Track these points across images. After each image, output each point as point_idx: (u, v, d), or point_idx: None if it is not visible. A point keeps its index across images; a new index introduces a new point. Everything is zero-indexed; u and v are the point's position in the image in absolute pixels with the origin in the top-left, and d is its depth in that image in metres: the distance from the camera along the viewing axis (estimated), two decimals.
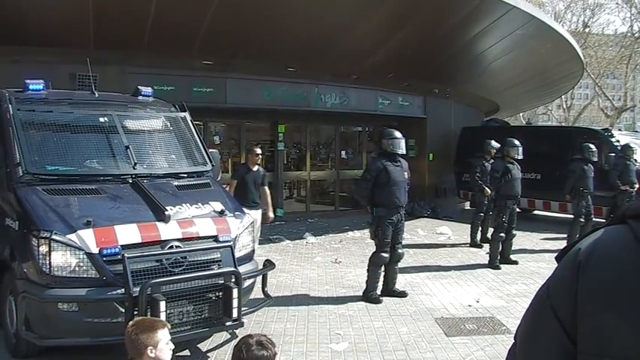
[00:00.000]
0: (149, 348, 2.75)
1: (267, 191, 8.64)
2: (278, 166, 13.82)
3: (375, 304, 6.87)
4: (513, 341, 1.06)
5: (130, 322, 2.94)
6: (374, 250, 7.13)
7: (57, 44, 8.76)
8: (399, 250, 7.15)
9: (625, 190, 10.65)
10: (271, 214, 8.70)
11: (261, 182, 8.45)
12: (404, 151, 7.26)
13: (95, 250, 4.51)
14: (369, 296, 7.01)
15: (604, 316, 0.89)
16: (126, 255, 4.50)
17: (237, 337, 4.98)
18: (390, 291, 7.20)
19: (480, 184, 10.58)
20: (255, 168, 8.43)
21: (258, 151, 8.65)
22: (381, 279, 7.23)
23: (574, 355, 0.92)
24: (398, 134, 7.23)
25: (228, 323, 4.86)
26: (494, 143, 10.76)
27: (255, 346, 2.64)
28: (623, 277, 0.89)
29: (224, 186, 7.48)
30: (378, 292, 7.12)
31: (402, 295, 7.19)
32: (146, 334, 2.77)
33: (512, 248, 9.38)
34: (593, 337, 0.90)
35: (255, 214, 7.99)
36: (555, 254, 1.05)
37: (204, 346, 5.33)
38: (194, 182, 5.81)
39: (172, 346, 2.90)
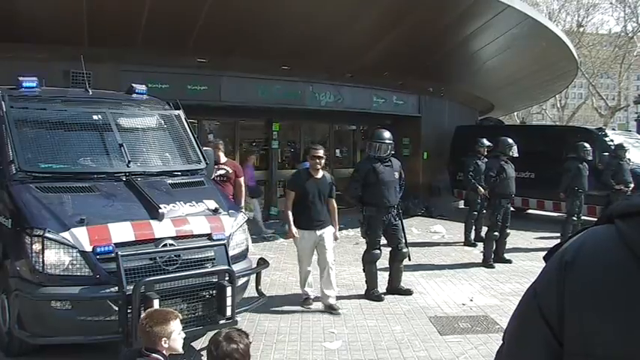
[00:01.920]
0: (163, 339, 2.91)
1: (335, 205, 6.87)
2: (272, 165, 13.82)
3: (377, 302, 6.90)
4: (502, 342, 1.06)
5: (143, 314, 3.10)
6: (365, 248, 7.16)
7: (51, 41, 8.72)
8: (403, 250, 7.18)
9: (619, 190, 10.67)
10: (338, 233, 7.00)
11: (329, 193, 6.75)
12: (389, 154, 7.18)
13: (88, 248, 4.49)
14: (370, 294, 7.05)
15: (589, 316, 0.89)
16: (119, 253, 4.49)
17: None
18: (395, 289, 7.25)
19: (473, 183, 10.61)
20: (320, 175, 6.72)
21: (320, 152, 6.70)
22: (386, 277, 7.30)
23: (560, 356, 0.92)
24: (386, 136, 7.20)
25: (221, 321, 4.84)
26: (484, 141, 10.80)
27: (225, 342, 2.64)
28: (609, 278, 0.89)
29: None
30: (381, 290, 7.16)
31: (408, 292, 7.23)
32: (160, 327, 2.92)
33: (506, 247, 9.41)
34: (578, 337, 0.90)
35: (319, 235, 6.60)
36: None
37: (197, 344, 5.32)
38: (188, 180, 5.79)
39: (184, 335, 3.07)
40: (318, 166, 6.67)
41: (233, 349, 2.62)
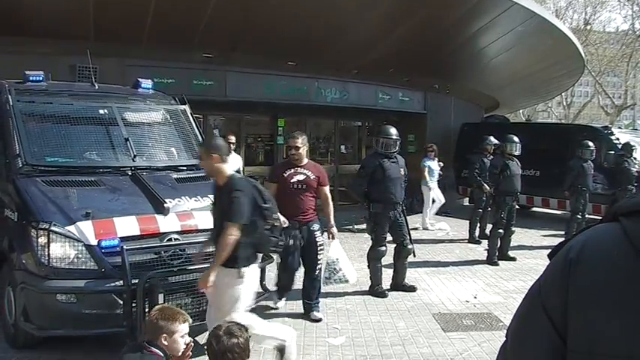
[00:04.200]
0: (164, 335, 2.89)
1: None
2: (277, 160, 13.81)
3: (381, 298, 6.90)
4: (505, 338, 1.06)
5: (157, 307, 3.16)
6: (371, 245, 7.16)
7: (57, 36, 8.73)
8: (408, 247, 7.18)
9: (625, 189, 10.59)
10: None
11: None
12: (395, 151, 7.17)
13: (94, 241, 4.52)
14: (374, 291, 7.06)
15: (594, 313, 0.89)
16: (125, 247, 4.51)
17: None
18: (399, 285, 7.26)
19: (479, 180, 10.61)
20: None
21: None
22: (390, 274, 7.31)
23: (564, 353, 0.92)
24: (393, 132, 7.19)
25: None
26: (492, 139, 10.79)
27: (225, 336, 2.66)
28: (613, 276, 0.89)
29: None
30: (385, 286, 7.16)
31: (412, 289, 7.23)
32: (165, 322, 2.91)
33: (511, 245, 9.41)
34: (582, 334, 0.90)
35: None
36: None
37: (201, 338, 5.33)
38: (193, 175, 5.79)
39: (188, 340, 2.99)
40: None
41: (234, 344, 2.64)
